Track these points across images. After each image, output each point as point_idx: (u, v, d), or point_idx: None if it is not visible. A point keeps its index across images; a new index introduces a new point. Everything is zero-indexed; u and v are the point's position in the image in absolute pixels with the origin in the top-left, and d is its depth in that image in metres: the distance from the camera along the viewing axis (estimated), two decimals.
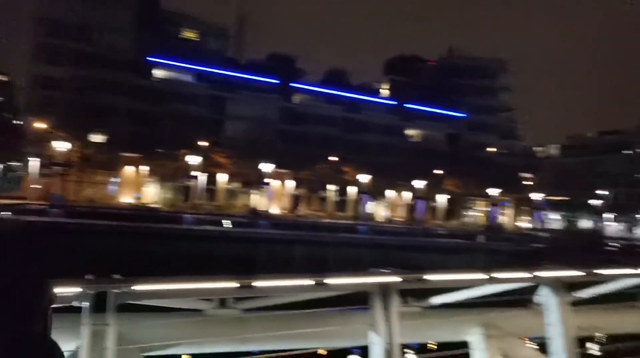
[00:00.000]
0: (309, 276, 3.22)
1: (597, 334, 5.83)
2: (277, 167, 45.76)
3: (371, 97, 61.20)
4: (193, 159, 43.23)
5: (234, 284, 2.96)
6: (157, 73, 50.86)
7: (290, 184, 51.16)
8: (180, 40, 53.26)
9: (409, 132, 61.43)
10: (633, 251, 45.01)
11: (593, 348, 6.35)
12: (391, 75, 67.59)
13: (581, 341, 4.44)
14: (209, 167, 45.49)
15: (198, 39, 54.66)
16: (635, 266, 5.08)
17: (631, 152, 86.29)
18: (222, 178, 48.18)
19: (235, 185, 49.18)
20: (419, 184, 50.35)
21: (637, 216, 75.31)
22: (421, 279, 3.59)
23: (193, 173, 43.94)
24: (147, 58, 48.93)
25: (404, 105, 60.24)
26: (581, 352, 4.39)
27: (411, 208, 53.96)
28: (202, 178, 45.16)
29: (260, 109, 51.88)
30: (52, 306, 0.79)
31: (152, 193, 46.27)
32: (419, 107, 61.16)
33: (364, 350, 3.46)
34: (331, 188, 52.05)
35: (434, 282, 3.69)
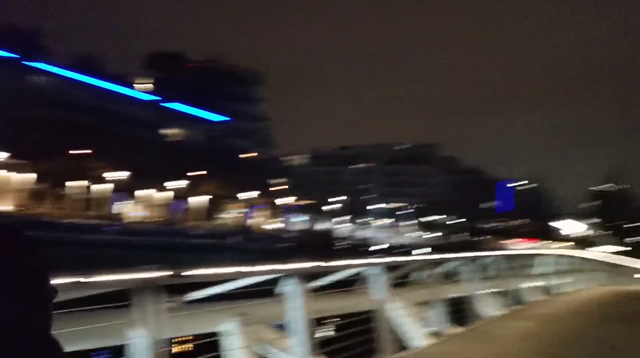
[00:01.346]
0: (66, 275, 3.10)
1: (327, 315, 6.98)
2: (11, 157, 39.01)
3: (130, 90, 57.70)
4: None
5: None
6: None
7: (28, 177, 44.21)
8: None
9: (169, 131, 60.04)
10: (357, 248, 53.50)
11: (323, 327, 7.56)
12: (153, 70, 64.97)
13: (316, 321, 5.30)
14: None
15: None
16: (356, 259, 6.31)
17: (363, 165, 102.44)
18: None
19: None
20: (177, 184, 49.59)
21: (363, 218, 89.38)
22: (185, 275, 3.81)
23: None
24: None
25: (165, 103, 58.66)
26: (315, 330, 5.24)
27: (168, 208, 52.74)
28: None
29: None
30: (53, 300, 0.77)
31: None
32: (181, 107, 60.38)
33: (124, 349, 3.48)
34: (79, 184, 46.97)
35: (196, 277, 3.96)
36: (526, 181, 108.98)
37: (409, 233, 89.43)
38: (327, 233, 70.96)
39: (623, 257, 33.25)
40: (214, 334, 4.65)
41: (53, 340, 0.72)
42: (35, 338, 0.68)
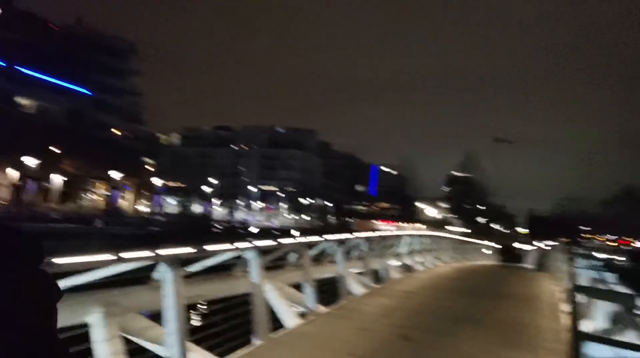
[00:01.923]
0: None
1: (203, 300, 6.94)
2: None
3: None
4: None
5: None
6: None
7: None
8: None
9: (20, 100, 53.39)
10: (233, 231, 53.13)
11: (197, 312, 7.50)
12: (2, 30, 56.94)
13: (191, 307, 5.25)
14: None
15: None
16: (232, 243, 6.34)
17: (237, 147, 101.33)
18: None
19: None
20: (29, 161, 44.51)
21: (237, 201, 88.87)
22: (48, 263, 3.54)
23: None
24: None
25: (16, 67, 51.94)
26: (189, 317, 5.20)
27: (18, 188, 47.17)
28: None
29: None
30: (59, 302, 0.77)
31: None
32: (36, 74, 53.97)
33: None
34: None
35: (60, 266, 3.69)
36: (393, 167, 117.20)
37: (284, 216, 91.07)
38: (201, 217, 69.28)
39: (471, 238, 37.48)
40: (84, 325, 4.40)
41: (59, 341, 0.72)
42: (42, 340, 0.68)
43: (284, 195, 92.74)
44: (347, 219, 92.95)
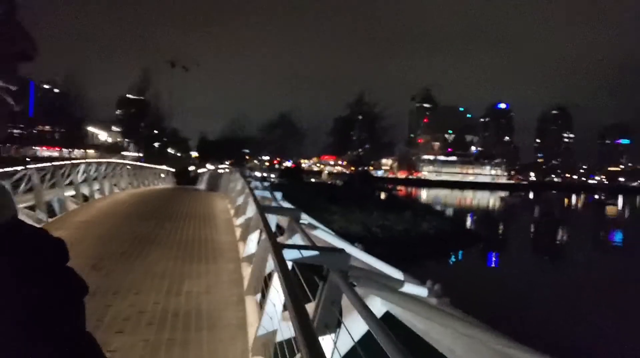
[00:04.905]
0: None
1: None
2: None
3: None
4: None
5: None
6: None
7: None
8: None
9: None
10: None
11: None
12: None
13: None
14: None
15: None
16: None
17: None
18: None
19: None
20: None
21: None
22: None
23: None
24: None
25: None
26: None
27: None
28: None
29: None
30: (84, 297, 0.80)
31: None
32: None
33: None
34: None
35: None
36: (57, 85, 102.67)
37: None
38: None
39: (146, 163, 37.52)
40: None
41: (87, 334, 0.74)
42: (71, 333, 0.71)
43: None
44: None
